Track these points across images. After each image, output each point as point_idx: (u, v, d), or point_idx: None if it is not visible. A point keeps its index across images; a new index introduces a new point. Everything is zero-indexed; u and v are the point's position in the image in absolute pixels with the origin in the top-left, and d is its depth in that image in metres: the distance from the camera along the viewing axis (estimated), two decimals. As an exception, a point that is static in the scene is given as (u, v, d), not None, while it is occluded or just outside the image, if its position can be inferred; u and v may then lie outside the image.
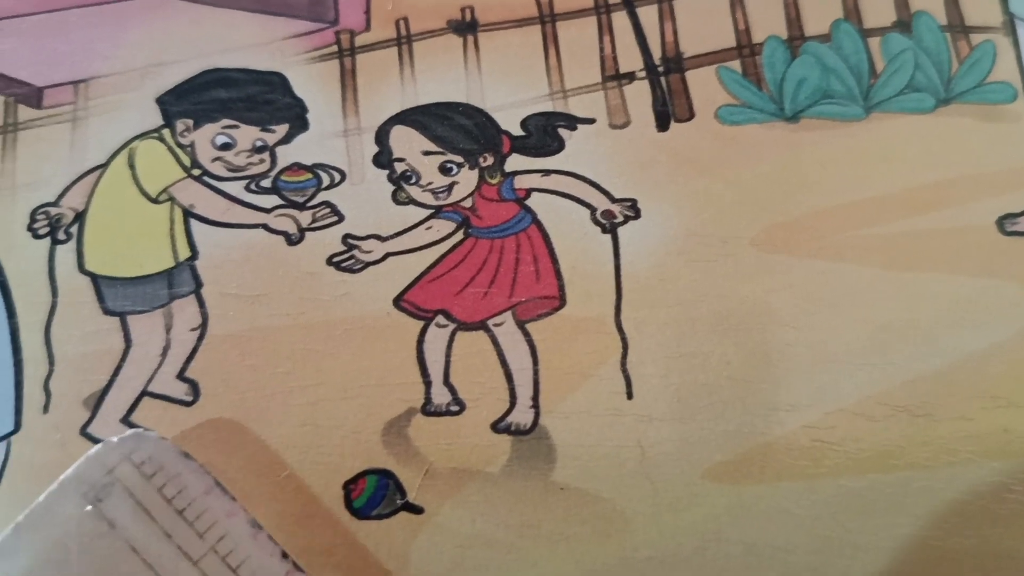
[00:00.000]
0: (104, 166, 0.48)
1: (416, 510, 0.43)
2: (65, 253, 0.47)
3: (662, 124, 0.49)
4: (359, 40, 0.50)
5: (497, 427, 0.44)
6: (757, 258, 0.46)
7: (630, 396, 0.45)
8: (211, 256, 0.46)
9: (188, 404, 0.44)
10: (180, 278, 0.46)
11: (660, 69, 0.50)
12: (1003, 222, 0.47)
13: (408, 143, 0.48)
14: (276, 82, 0.49)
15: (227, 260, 0.46)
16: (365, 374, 0.45)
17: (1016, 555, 0.43)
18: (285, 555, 0.41)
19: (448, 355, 0.45)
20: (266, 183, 0.47)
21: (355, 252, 0.46)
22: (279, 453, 0.44)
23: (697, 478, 0.44)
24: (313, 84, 0.49)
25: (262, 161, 0.48)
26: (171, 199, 0.47)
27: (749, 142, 0.48)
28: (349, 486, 0.43)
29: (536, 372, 0.45)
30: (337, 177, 0.48)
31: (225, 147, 0.48)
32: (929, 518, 0.43)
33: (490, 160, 0.48)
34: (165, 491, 0.40)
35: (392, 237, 0.47)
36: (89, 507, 0.39)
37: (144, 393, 0.45)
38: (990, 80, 0.50)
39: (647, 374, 0.45)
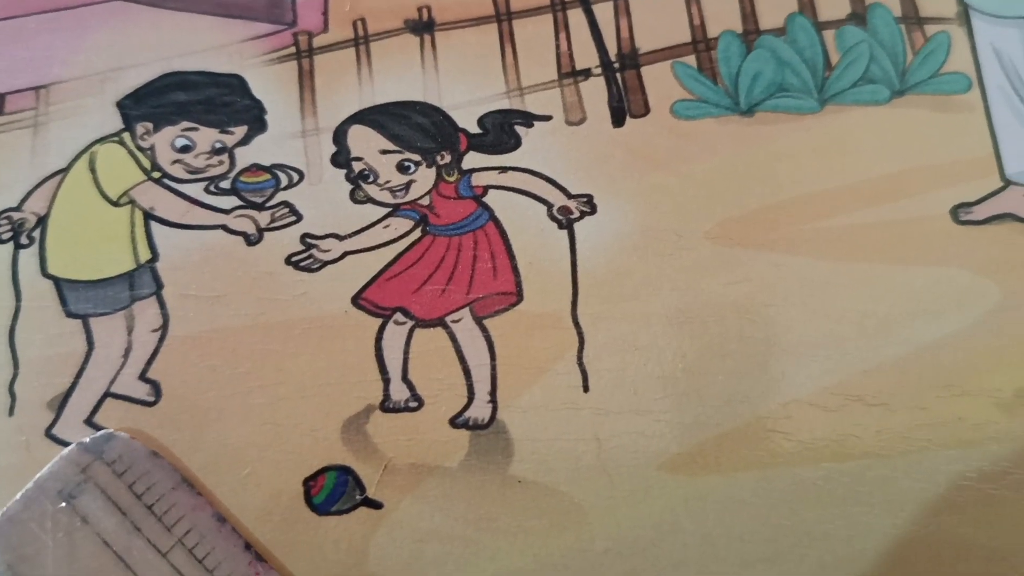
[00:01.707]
0: (65, 170, 0.48)
1: (375, 505, 0.44)
2: (28, 257, 0.47)
3: (618, 120, 0.49)
4: (317, 41, 0.50)
5: (455, 422, 0.45)
6: (713, 252, 0.47)
7: (587, 390, 0.45)
8: (171, 258, 0.47)
9: (150, 404, 0.45)
10: (141, 280, 0.46)
11: (616, 65, 0.50)
12: (957, 211, 0.47)
13: (366, 142, 0.48)
14: (235, 84, 0.49)
15: (187, 261, 0.47)
16: (324, 372, 0.45)
17: (972, 542, 0.43)
18: (248, 546, 0.42)
19: (406, 352, 0.46)
20: (225, 184, 0.48)
21: (313, 251, 0.47)
22: (240, 451, 0.44)
23: (653, 470, 0.44)
24: (271, 85, 0.50)
25: (221, 163, 0.48)
26: (132, 202, 0.47)
27: (704, 137, 0.49)
28: (309, 483, 0.44)
29: (494, 367, 0.45)
30: (295, 177, 0.48)
31: (185, 149, 0.48)
32: (885, 506, 0.43)
33: (447, 158, 0.48)
34: (135, 488, 0.42)
35: (350, 236, 0.47)
36: (63, 504, 0.41)
37: (107, 394, 0.45)
38: (945, 71, 0.50)
39: (603, 368, 0.45)
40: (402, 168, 0.48)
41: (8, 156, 0.48)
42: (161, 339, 0.46)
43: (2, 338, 0.46)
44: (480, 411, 0.45)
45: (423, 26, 0.50)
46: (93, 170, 0.48)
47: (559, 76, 0.50)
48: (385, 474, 0.44)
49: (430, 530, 0.43)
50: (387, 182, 0.48)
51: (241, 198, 0.47)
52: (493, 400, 0.45)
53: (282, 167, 0.48)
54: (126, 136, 0.48)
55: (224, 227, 0.47)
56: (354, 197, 0.48)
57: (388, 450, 0.44)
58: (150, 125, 0.48)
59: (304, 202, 0.48)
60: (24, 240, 0.47)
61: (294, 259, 0.47)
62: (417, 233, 0.47)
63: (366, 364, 0.45)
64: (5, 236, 0.47)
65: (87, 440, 0.43)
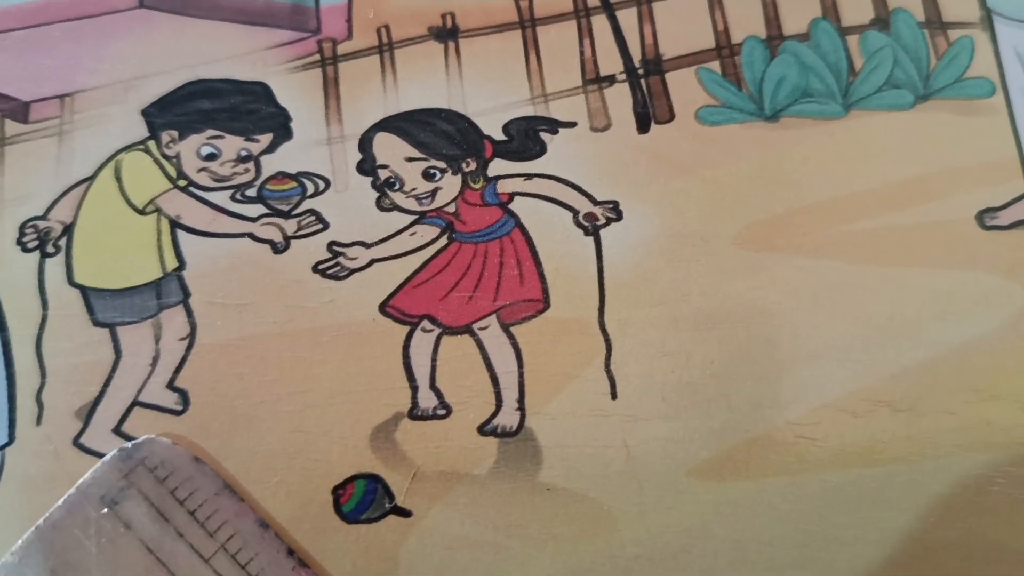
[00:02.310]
0: (91, 179, 0.48)
1: (404, 513, 0.44)
2: (54, 266, 0.47)
3: (643, 126, 0.49)
4: (341, 49, 0.50)
5: (483, 430, 0.45)
6: (739, 256, 0.47)
7: (615, 396, 0.45)
8: (198, 266, 0.47)
9: (178, 413, 0.45)
10: (168, 288, 0.46)
11: (640, 71, 0.50)
12: (983, 216, 0.47)
13: (391, 150, 0.48)
14: (259, 92, 0.49)
15: (214, 269, 0.47)
16: (352, 380, 0.45)
17: (1001, 545, 0.43)
18: (291, 552, 0.42)
19: (434, 359, 0.46)
20: (251, 192, 0.48)
21: (340, 259, 0.47)
22: (269, 459, 0.44)
23: (683, 476, 0.44)
24: (296, 93, 0.50)
25: (247, 171, 0.48)
26: (158, 210, 0.48)
27: (729, 142, 0.49)
28: (338, 491, 0.44)
29: (521, 375, 0.45)
30: (321, 185, 0.48)
31: (210, 157, 0.48)
32: (913, 511, 0.43)
33: (473, 165, 0.48)
34: (177, 493, 0.42)
35: (377, 243, 0.47)
36: (106, 509, 0.41)
37: (135, 403, 0.45)
38: (968, 75, 0.50)
39: (631, 374, 0.45)
40: (428, 175, 0.48)
41: (33, 165, 0.49)
42: (189, 347, 0.46)
43: (29, 347, 0.46)
44: (508, 418, 0.45)
45: (447, 33, 0.50)
46: (119, 178, 0.48)
47: (583, 82, 0.50)
48: (414, 482, 0.44)
49: (460, 537, 0.43)
50: (413, 189, 0.48)
51: (267, 206, 0.48)
52: (521, 407, 0.45)
53: (308, 175, 0.48)
54: (151, 144, 0.49)
55: (251, 235, 0.47)
56: (380, 205, 0.48)
57: (417, 458, 0.44)
58: (175, 133, 0.48)
59: (330, 210, 0.48)
60: (50, 249, 0.47)
61: (321, 267, 0.47)
62: (443, 240, 0.47)
63: (394, 372, 0.45)
64: (31, 245, 0.47)
65: (129, 445, 0.43)
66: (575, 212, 0.47)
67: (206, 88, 0.49)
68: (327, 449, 0.44)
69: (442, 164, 0.48)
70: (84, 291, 0.47)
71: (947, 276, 0.46)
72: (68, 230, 0.47)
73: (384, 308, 0.46)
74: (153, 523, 0.41)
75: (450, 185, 0.48)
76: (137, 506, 0.42)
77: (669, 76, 0.50)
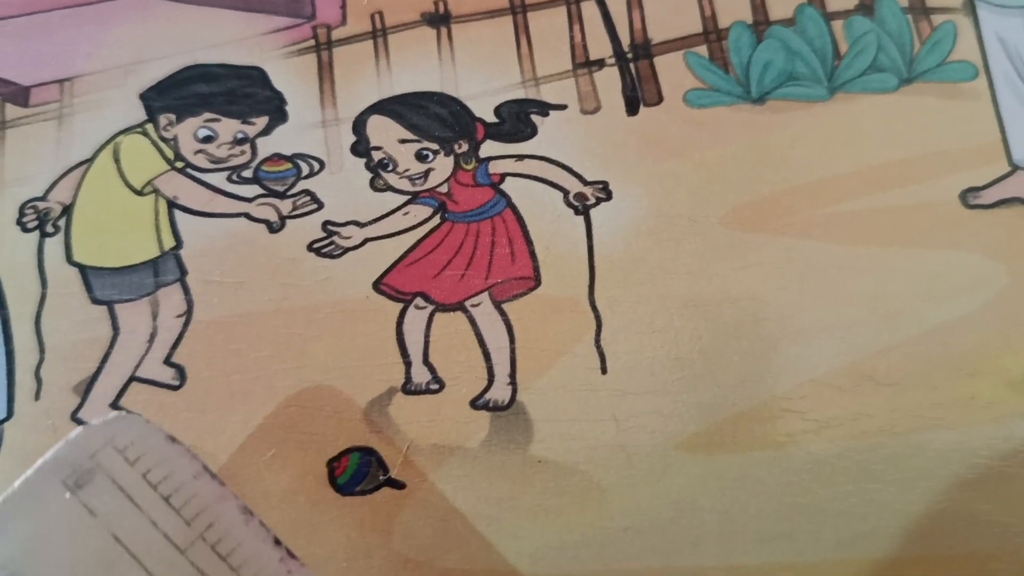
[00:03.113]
0: (90, 161, 0.49)
1: (398, 485, 0.44)
2: (54, 245, 0.48)
3: (632, 109, 0.50)
4: (335, 34, 0.51)
5: (476, 404, 0.45)
6: (726, 236, 0.48)
7: (604, 371, 0.46)
8: (195, 245, 0.48)
9: (175, 388, 0.46)
10: (165, 267, 0.47)
11: (629, 55, 0.51)
12: (966, 196, 0.48)
13: (385, 132, 0.49)
14: (256, 76, 0.50)
15: (211, 248, 0.47)
16: (346, 356, 0.46)
17: (986, 518, 0.44)
18: (278, 541, 0.38)
19: (427, 336, 0.46)
20: (247, 173, 0.49)
21: (335, 238, 0.47)
22: (264, 434, 0.45)
23: (671, 449, 0.45)
24: (292, 77, 0.50)
25: (243, 152, 0.49)
26: (155, 191, 0.48)
27: (716, 124, 0.49)
28: (333, 464, 0.44)
29: (513, 350, 0.46)
30: (316, 166, 0.49)
31: (207, 140, 0.49)
32: (898, 484, 0.44)
33: (465, 147, 0.49)
34: (150, 477, 0.37)
35: (371, 223, 0.48)
36: (68, 495, 0.36)
37: (132, 379, 0.46)
38: (951, 59, 0.51)
39: (621, 350, 0.46)
40: (421, 157, 0.49)
41: (33, 147, 0.49)
42: (186, 324, 0.46)
43: (29, 324, 0.46)
44: (500, 393, 0.45)
45: (440, 18, 0.51)
46: (117, 160, 0.49)
47: (574, 66, 0.51)
48: (408, 455, 0.45)
49: (453, 509, 0.44)
50: (406, 170, 0.48)
51: (263, 187, 0.48)
52: (513, 382, 0.45)
53: (303, 156, 0.49)
54: (149, 127, 0.49)
55: (247, 215, 0.48)
56: (374, 185, 0.48)
57: (410, 431, 0.45)
58: (173, 116, 0.49)
59: (325, 190, 0.48)
60: (50, 229, 0.48)
61: (316, 246, 0.47)
62: (436, 220, 0.48)
63: (388, 347, 0.46)
64: (31, 225, 0.48)
65: (96, 422, 0.38)
66: (565, 192, 0.48)
67: (203, 72, 0.50)
68: (322, 423, 0.45)
69: (435, 146, 0.49)
70: (83, 270, 0.47)
71: (931, 256, 0.47)
72: (67, 210, 0.48)
73: (378, 286, 0.47)
74: (121, 510, 0.36)
75: (443, 166, 0.49)
76: (104, 491, 0.36)
77: (657, 60, 0.51)
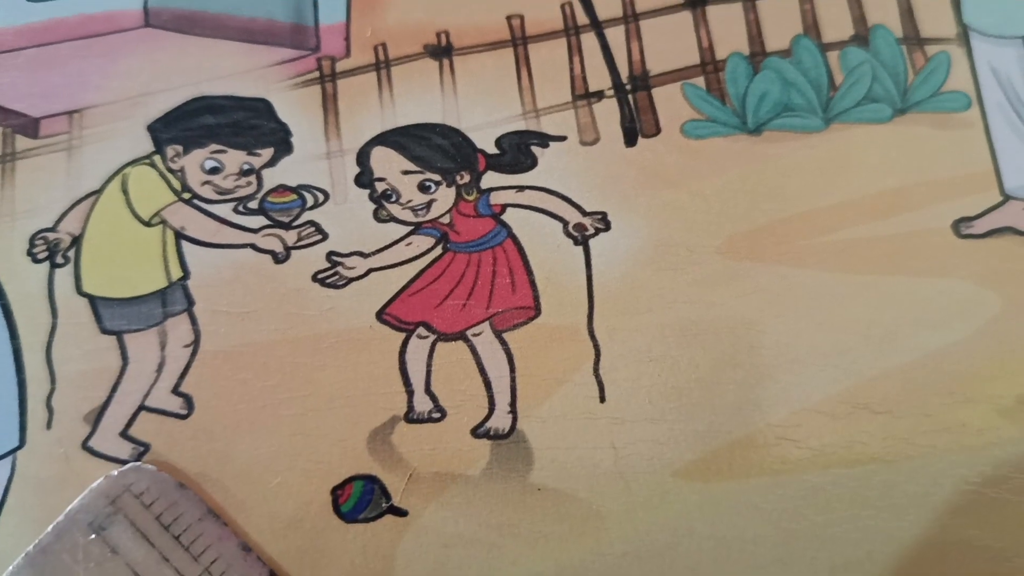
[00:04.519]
0: (99, 192, 0.50)
1: (401, 513, 0.45)
2: (63, 276, 0.49)
3: (630, 140, 0.51)
4: (340, 66, 0.52)
5: (477, 432, 0.46)
6: (723, 265, 0.48)
7: (603, 400, 0.46)
8: (202, 275, 0.48)
9: (183, 417, 0.47)
10: (173, 297, 0.48)
11: (627, 87, 0.52)
12: (958, 225, 0.49)
13: (388, 163, 0.50)
14: (261, 108, 0.51)
15: (217, 279, 0.48)
16: (350, 385, 0.47)
17: (977, 544, 0.44)
18: (273, 574, 0.44)
19: (429, 365, 0.47)
20: (253, 204, 0.49)
21: (339, 268, 0.48)
22: (270, 462, 0.46)
23: (668, 476, 0.45)
24: (296, 109, 0.51)
25: (249, 184, 0.50)
26: (163, 222, 0.49)
27: (713, 155, 0.50)
28: (337, 491, 0.45)
29: (513, 379, 0.47)
30: (321, 197, 0.50)
31: (214, 171, 0.50)
32: (891, 510, 0.45)
33: (467, 178, 0.50)
34: (163, 519, 0.43)
35: (374, 253, 0.49)
36: (93, 535, 0.42)
37: (141, 408, 0.47)
38: (945, 89, 0.52)
39: (619, 379, 0.47)
40: (423, 188, 0.49)
41: (44, 178, 0.50)
42: (193, 354, 0.47)
43: (39, 354, 0.47)
44: (501, 421, 0.46)
45: (442, 51, 0.52)
46: (125, 191, 0.49)
47: (573, 98, 0.51)
48: (410, 483, 0.45)
49: (454, 536, 0.45)
50: (409, 201, 0.49)
51: (269, 218, 0.49)
52: (513, 410, 0.46)
53: (308, 187, 0.50)
54: (157, 158, 0.50)
55: (253, 246, 0.49)
56: (377, 216, 0.49)
57: (413, 459, 0.46)
58: (180, 148, 0.50)
59: (329, 221, 0.49)
60: (60, 260, 0.49)
61: (320, 276, 0.48)
62: (438, 250, 0.49)
63: (391, 376, 0.47)
64: (41, 256, 0.49)
65: (115, 473, 0.44)
66: (565, 223, 0.49)
67: (210, 104, 0.51)
68: (326, 451, 0.46)
69: (437, 177, 0.50)
70: (92, 300, 0.48)
71: (924, 284, 0.48)
72: (76, 241, 0.49)
73: (381, 315, 0.48)
74: (139, 548, 0.43)
75: (445, 197, 0.49)
76: (124, 531, 0.43)
77: (655, 91, 0.51)
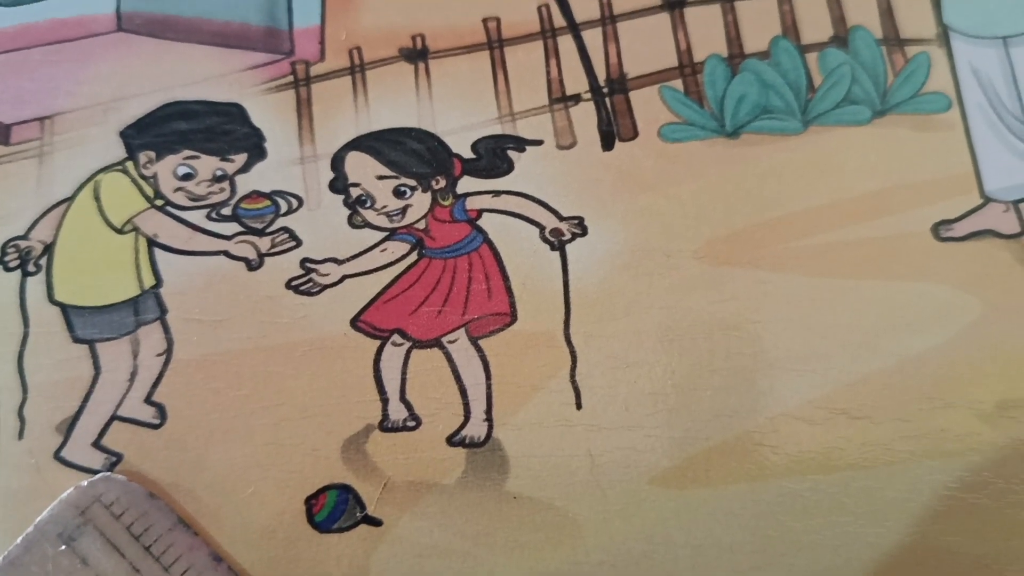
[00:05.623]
0: (70, 199, 0.49)
1: (375, 523, 0.45)
2: (35, 284, 0.48)
3: (607, 144, 0.50)
4: (314, 70, 0.52)
5: (452, 441, 0.46)
6: (700, 270, 0.48)
7: (579, 407, 0.46)
8: (175, 283, 0.48)
9: (156, 427, 0.46)
10: (145, 305, 0.48)
11: (605, 90, 0.51)
12: (938, 228, 0.49)
13: (363, 168, 0.50)
14: (234, 113, 0.51)
15: (190, 287, 0.48)
16: (324, 393, 0.46)
17: (956, 550, 0.44)
18: None
19: (404, 372, 0.47)
20: (226, 211, 0.49)
21: (313, 275, 0.48)
22: (243, 471, 0.45)
23: (645, 484, 0.45)
24: (270, 114, 0.51)
25: (222, 190, 0.49)
26: (135, 229, 0.49)
27: (691, 159, 0.50)
28: (310, 501, 0.45)
29: (489, 386, 0.46)
30: (295, 203, 0.49)
31: (187, 177, 0.49)
32: (870, 516, 0.45)
33: (442, 183, 0.49)
34: (133, 529, 0.43)
35: (349, 260, 0.48)
36: (63, 546, 0.42)
37: (114, 417, 0.46)
38: (925, 91, 0.51)
39: (596, 385, 0.46)
40: (398, 193, 0.49)
41: (14, 186, 0.50)
42: (166, 363, 0.47)
43: (11, 364, 0.47)
44: (476, 429, 0.46)
45: (417, 54, 0.52)
46: (97, 198, 0.49)
47: (550, 101, 0.51)
48: (385, 492, 0.45)
49: (429, 545, 0.45)
50: (384, 207, 0.49)
51: (242, 224, 0.49)
52: (489, 418, 0.46)
53: (281, 193, 0.49)
54: (129, 165, 0.50)
55: (226, 253, 0.48)
56: (352, 222, 0.49)
57: (387, 468, 0.46)
58: (152, 154, 0.50)
59: (303, 227, 0.49)
60: (31, 268, 0.48)
61: (294, 283, 0.48)
62: (414, 256, 0.48)
63: (365, 384, 0.46)
64: (12, 264, 0.48)
65: (85, 483, 0.44)
66: (542, 228, 0.49)
67: (182, 109, 0.51)
68: (300, 460, 0.45)
69: (412, 182, 0.49)
70: (64, 308, 0.48)
71: (903, 288, 0.48)
72: (48, 249, 0.49)
73: (355, 323, 0.47)
74: (109, 558, 0.42)
75: (420, 202, 0.49)
76: (93, 542, 0.43)
77: (633, 95, 0.51)
